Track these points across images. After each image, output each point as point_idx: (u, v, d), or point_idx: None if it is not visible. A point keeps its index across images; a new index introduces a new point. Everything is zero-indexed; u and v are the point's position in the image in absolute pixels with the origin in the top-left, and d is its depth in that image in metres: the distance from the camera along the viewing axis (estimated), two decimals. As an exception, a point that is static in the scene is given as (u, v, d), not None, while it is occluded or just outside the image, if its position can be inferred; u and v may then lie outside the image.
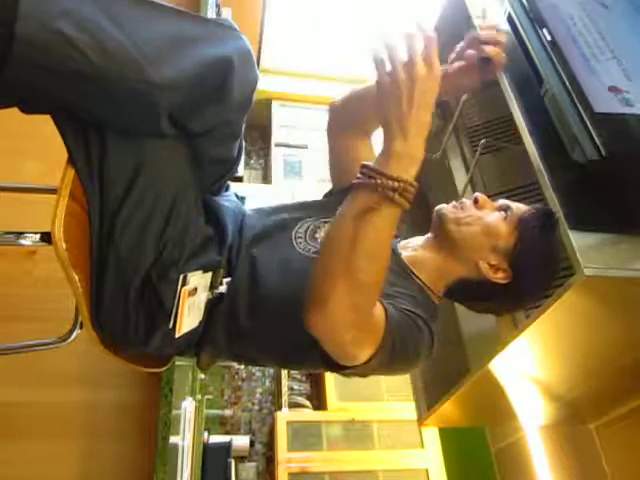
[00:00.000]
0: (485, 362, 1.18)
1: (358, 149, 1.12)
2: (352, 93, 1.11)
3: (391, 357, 0.81)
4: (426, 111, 0.72)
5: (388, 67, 0.72)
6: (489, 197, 1.06)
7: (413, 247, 1.06)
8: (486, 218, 0.99)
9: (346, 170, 1.09)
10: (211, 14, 2.05)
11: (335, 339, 0.72)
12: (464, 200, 1.03)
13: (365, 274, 0.69)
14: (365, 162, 0.73)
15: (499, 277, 0.98)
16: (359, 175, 0.72)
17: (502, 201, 1.03)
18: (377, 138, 1.02)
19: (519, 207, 1.01)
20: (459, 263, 1.00)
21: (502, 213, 1.00)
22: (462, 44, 1.01)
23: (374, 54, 0.72)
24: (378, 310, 0.77)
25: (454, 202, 1.04)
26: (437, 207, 1.04)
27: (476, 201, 1.01)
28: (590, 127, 0.96)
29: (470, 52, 0.98)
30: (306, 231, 1.01)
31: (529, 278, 1.01)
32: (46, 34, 0.69)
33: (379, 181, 0.69)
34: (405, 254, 1.04)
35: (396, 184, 0.68)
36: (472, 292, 1.03)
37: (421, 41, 0.71)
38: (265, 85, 3.52)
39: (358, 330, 0.72)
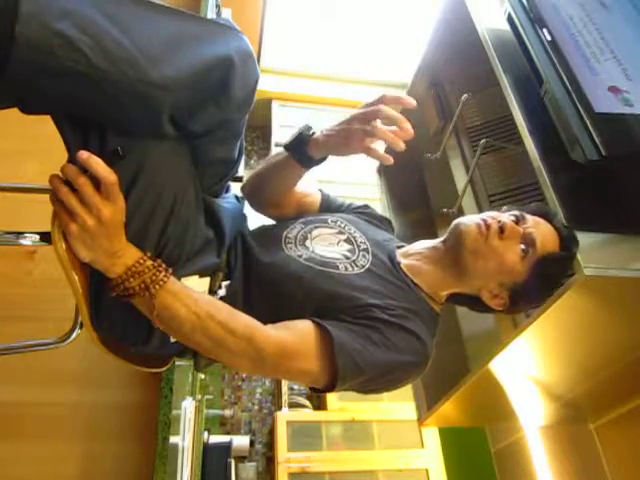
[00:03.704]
0: (485, 362, 1.19)
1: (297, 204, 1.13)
2: (255, 175, 1.10)
3: (365, 383, 0.86)
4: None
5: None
6: (489, 198, 1.05)
7: (416, 256, 1.03)
8: (505, 255, 0.94)
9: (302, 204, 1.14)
10: (211, 14, 2.05)
11: (260, 373, 0.84)
12: (491, 223, 0.95)
13: (201, 335, 0.82)
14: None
15: (495, 304, 0.99)
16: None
17: (530, 229, 0.96)
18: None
19: (543, 241, 0.95)
20: (461, 284, 1.00)
21: (523, 249, 0.94)
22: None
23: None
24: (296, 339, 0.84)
25: (481, 221, 0.96)
26: (462, 223, 0.98)
27: (502, 231, 0.94)
28: (590, 127, 0.96)
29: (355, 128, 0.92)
30: (296, 236, 1.01)
31: (524, 306, 1.05)
32: (47, 35, 0.69)
33: (127, 293, 0.81)
34: (405, 262, 1.01)
35: (122, 286, 0.80)
36: (467, 303, 1.06)
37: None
38: (265, 85, 3.52)
39: (263, 364, 0.83)
